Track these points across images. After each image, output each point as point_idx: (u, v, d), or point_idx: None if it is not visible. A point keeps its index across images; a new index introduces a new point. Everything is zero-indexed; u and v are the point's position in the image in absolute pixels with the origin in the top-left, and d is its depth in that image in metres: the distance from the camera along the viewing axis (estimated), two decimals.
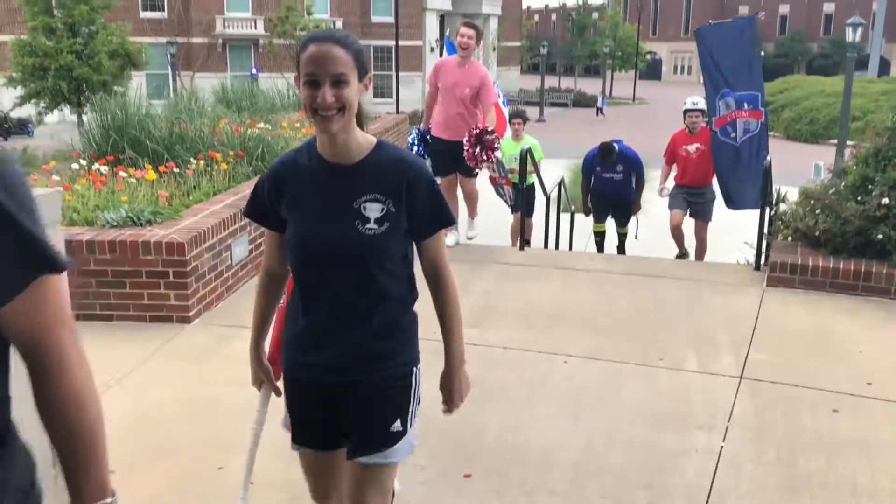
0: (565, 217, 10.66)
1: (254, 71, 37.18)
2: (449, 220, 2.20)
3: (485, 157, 6.75)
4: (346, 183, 2.12)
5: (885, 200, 6.04)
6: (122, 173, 6.39)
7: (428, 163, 8.39)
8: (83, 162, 6.85)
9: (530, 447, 3.68)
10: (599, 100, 50.49)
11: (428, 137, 7.14)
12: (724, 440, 3.75)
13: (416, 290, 2.27)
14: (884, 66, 57.49)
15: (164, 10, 39.77)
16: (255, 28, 40.53)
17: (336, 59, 1.99)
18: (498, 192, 8.77)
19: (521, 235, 7.75)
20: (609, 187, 9.00)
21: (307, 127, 9.74)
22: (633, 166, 8.90)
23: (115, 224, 5.40)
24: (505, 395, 4.23)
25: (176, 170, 6.72)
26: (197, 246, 5.23)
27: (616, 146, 8.86)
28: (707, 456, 3.61)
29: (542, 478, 3.42)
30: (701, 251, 8.52)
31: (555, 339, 5.01)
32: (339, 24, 40.88)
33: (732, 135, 7.83)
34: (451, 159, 6.93)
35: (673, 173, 8.65)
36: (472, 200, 7.39)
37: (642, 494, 3.32)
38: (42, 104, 26.29)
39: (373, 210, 2.10)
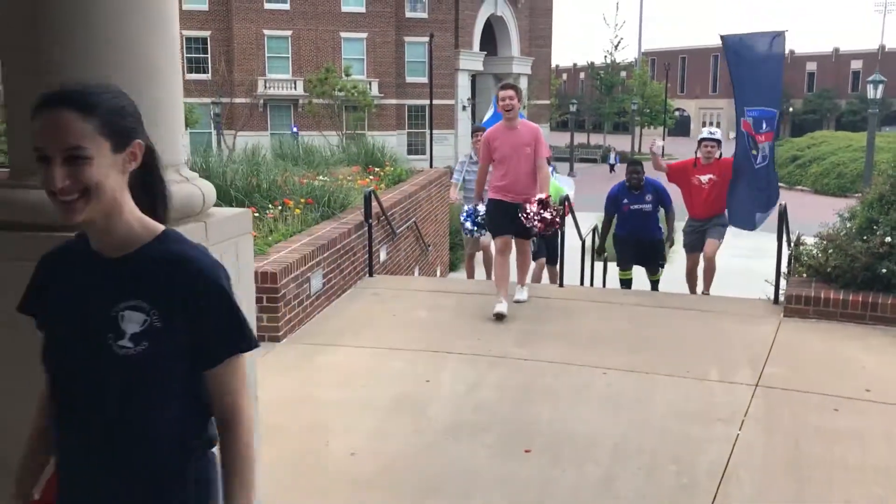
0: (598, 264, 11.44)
1: (294, 129, 38.81)
2: (248, 345, 1.70)
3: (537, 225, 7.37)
4: (106, 282, 1.63)
5: (888, 239, 6.77)
6: None
7: (471, 234, 8.87)
8: None
9: (577, 433, 4.45)
10: (612, 156, 51.23)
11: (480, 211, 7.34)
12: (739, 430, 4.49)
13: (214, 432, 1.74)
14: None
15: (208, 73, 41.75)
16: (295, 89, 42.38)
17: (66, 128, 1.49)
18: None
19: (560, 274, 8.52)
20: (637, 221, 8.58)
21: (363, 178, 10.69)
22: (661, 197, 8.60)
23: None
24: (553, 396, 5.00)
25: (256, 214, 7.65)
26: (286, 276, 6.11)
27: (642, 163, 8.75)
28: (725, 441, 4.35)
29: (588, 453, 4.18)
30: (710, 272, 8.23)
31: (594, 356, 5.78)
32: (375, 84, 42.56)
33: (753, 152, 7.70)
34: (510, 220, 6.71)
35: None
36: (524, 267, 7.29)
37: (671, 467, 4.06)
38: None
39: (131, 322, 1.59)
